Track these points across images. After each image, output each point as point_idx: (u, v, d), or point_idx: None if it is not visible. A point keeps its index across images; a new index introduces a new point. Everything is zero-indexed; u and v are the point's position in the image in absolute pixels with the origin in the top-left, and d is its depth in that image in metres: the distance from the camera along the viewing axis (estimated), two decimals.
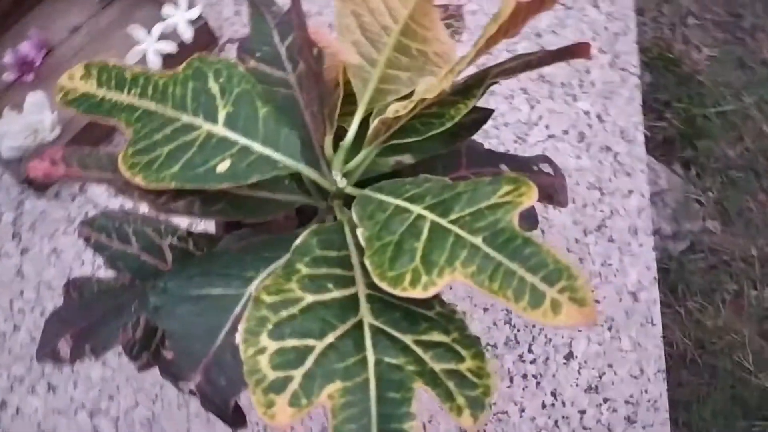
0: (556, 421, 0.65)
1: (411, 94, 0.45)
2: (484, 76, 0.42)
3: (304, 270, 0.35)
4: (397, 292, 0.32)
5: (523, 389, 0.65)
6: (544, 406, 0.66)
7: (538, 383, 0.67)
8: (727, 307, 1.13)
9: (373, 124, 0.41)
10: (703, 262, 1.17)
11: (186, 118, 0.42)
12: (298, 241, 0.37)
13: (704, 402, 1.07)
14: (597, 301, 0.69)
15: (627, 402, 0.67)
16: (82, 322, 0.48)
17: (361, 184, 0.44)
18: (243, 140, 0.41)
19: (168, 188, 0.40)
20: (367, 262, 0.34)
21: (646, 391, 0.67)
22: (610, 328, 0.68)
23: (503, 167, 0.54)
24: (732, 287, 1.15)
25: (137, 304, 0.44)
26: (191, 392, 0.41)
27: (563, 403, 0.66)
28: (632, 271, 0.70)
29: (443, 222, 0.35)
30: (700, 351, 1.10)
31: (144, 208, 0.41)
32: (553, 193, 0.56)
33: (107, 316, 0.47)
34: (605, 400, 0.66)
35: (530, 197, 0.34)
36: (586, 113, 0.74)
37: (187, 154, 0.41)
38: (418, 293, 0.32)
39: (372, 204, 0.38)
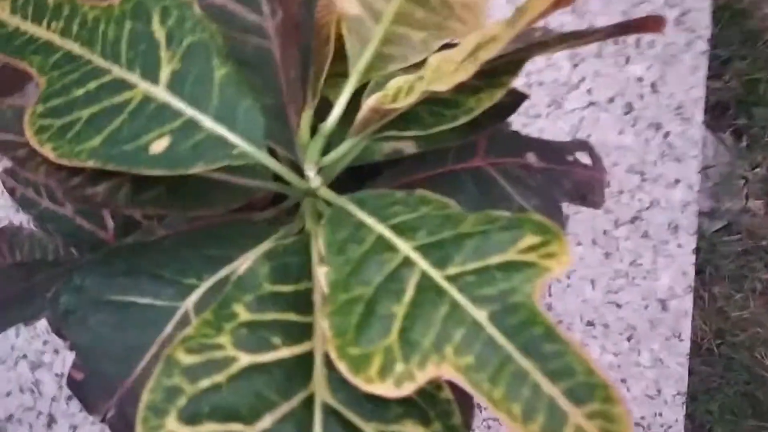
0: None
1: (422, 63, 0.35)
2: (519, 59, 0.32)
3: (244, 315, 0.26)
4: (359, 382, 0.23)
5: (447, 387, 0.57)
6: None
7: None
8: (756, 298, 1.05)
9: (362, 109, 0.30)
10: (737, 245, 1.07)
11: (117, 72, 0.32)
12: (241, 270, 0.28)
13: (713, 395, 1.01)
14: (618, 306, 0.61)
15: (637, 424, 0.59)
16: (7, 290, 0.40)
17: (342, 179, 0.34)
18: (189, 111, 0.31)
19: (84, 166, 0.30)
20: (324, 324, 0.25)
21: (660, 415, 0.59)
22: (629, 338, 0.59)
23: (530, 156, 0.44)
24: (765, 276, 1.06)
25: (50, 298, 0.35)
26: (102, 421, 0.33)
27: None
28: (665, 275, 0.60)
29: (438, 277, 0.25)
30: (718, 341, 1.03)
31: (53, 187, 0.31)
32: (588, 191, 0.46)
33: (16, 297, 0.39)
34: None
35: (561, 261, 0.24)
36: (639, 80, 0.63)
37: (113, 123, 0.31)
38: (386, 389, 0.23)
39: (347, 227, 0.28)
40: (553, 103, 0.62)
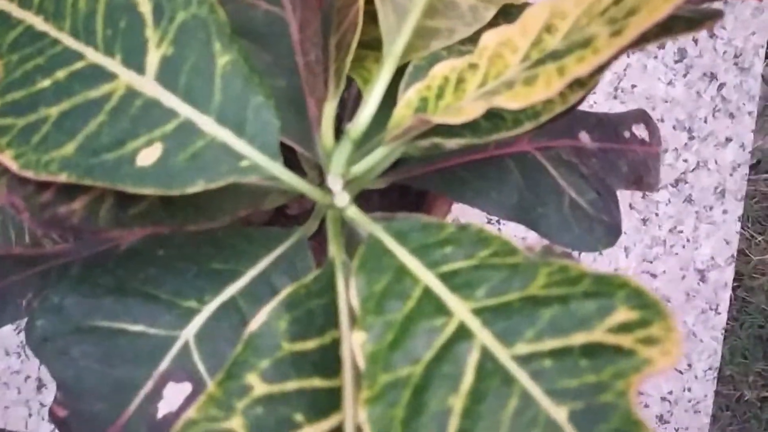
0: None
1: (473, 39, 0.29)
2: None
3: (259, 387, 0.22)
4: None
5: None
6: None
7: None
8: None
9: (401, 113, 0.25)
10: (764, 185, 1.02)
11: (92, 57, 0.25)
12: (254, 327, 0.23)
13: (725, 337, 0.99)
14: (653, 275, 0.56)
15: (663, 399, 0.56)
16: None
17: (367, 191, 0.29)
18: (185, 110, 0.25)
19: (55, 180, 0.25)
20: (361, 414, 0.20)
21: (689, 390, 0.56)
22: None
23: (583, 136, 0.38)
24: None
25: (26, 322, 0.30)
26: None
27: None
28: (706, 244, 0.56)
29: (504, 357, 0.20)
30: (735, 284, 1.00)
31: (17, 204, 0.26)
32: (645, 173, 0.40)
33: (9, 290, 0.34)
34: (638, 392, 0.55)
35: (667, 352, 0.19)
36: None
37: (89, 125, 0.25)
38: None
39: (385, 272, 0.23)
40: None
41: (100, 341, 0.28)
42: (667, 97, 0.56)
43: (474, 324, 0.21)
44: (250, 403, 0.22)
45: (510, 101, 0.21)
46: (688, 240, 0.56)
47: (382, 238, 0.24)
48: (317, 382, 0.23)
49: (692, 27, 0.24)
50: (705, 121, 0.56)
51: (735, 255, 0.56)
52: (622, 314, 0.20)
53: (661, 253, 0.56)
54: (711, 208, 0.56)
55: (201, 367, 0.27)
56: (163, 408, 0.27)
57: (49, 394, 0.57)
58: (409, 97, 0.26)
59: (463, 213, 0.53)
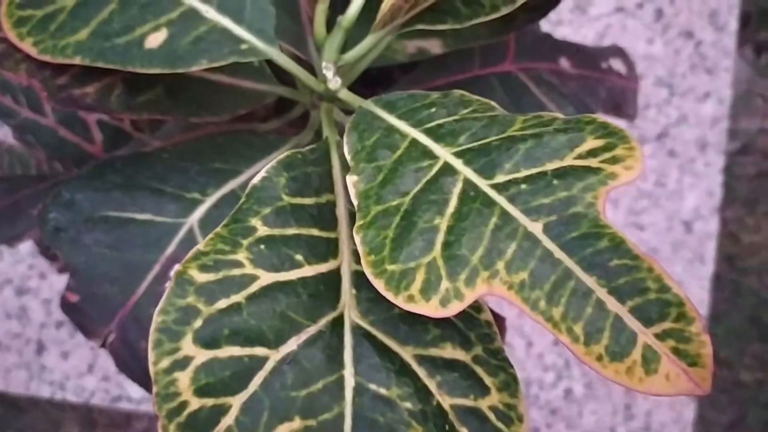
0: (567, 361, 0.57)
1: None
2: None
3: (262, 229, 0.24)
4: (400, 302, 0.21)
5: (486, 308, 0.56)
6: (556, 343, 0.58)
7: None
8: None
9: (388, 3, 0.27)
10: (752, 168, 1.05)
11: None
12: (256, 180, 0.25)
13: (720, 320, 1.01)
14: (640, 228, 0.59)
15: None
16: None
17: (360, 82, 0.32)
18: None
19: (71, 63, 0.27)
20: (356, 238, 0.22)
21: None
22: None
23: (563, 62, 0.41)
24: None
25: (39, 214, 0.33)
26: (102, 347, 0.31)
27: None
28: (690, 196, 0.59)
29: (484, 186, 0.23)
30: (726, 265, 1.02)
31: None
32: (623, 102, 0.43)
33: (2, 213, 0.36)
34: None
35: (629, 166, 0.22)
36: None
37: (101, 13, 0.28)
38: (430, 309, 0.21)
39: (375, 132, 0.25)
40: (577, 8, 0.58)
41: (111, 229, 0.30)
42: (647, 55, 0.59)
43: (456, 162, 0.24)
44: (254, 241, 0.24)
45: None
46: (672, 192, 0.59)
47: (372, 109, 0.27)
48: (315, 232, 0.25)
49: None
50: (684, 77, 0.59)
51: (718, 206, 0.58)
52: (590, 143, 0.23)
53: (648, 205, 0.59)
54: (694, 161, 0.59)
55: None
56: (150, 340, 0.29)
57: (50, 357, 0.58)
58: None
59: None
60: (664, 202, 0.59)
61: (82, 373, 0.57)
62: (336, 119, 0.30)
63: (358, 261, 0.25)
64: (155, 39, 0.27)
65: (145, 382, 0.30)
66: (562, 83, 0.40)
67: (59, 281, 0.60)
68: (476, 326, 0.24)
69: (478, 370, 0.24)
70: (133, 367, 0.30)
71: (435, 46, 0.33)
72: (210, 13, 0.28)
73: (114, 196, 0.31)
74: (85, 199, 0.31)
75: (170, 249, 0.30)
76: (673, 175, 0.59)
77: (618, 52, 0.44)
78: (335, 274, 0.25)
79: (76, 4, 0.28)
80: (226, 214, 0.31)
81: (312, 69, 0.32)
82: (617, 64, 0.44)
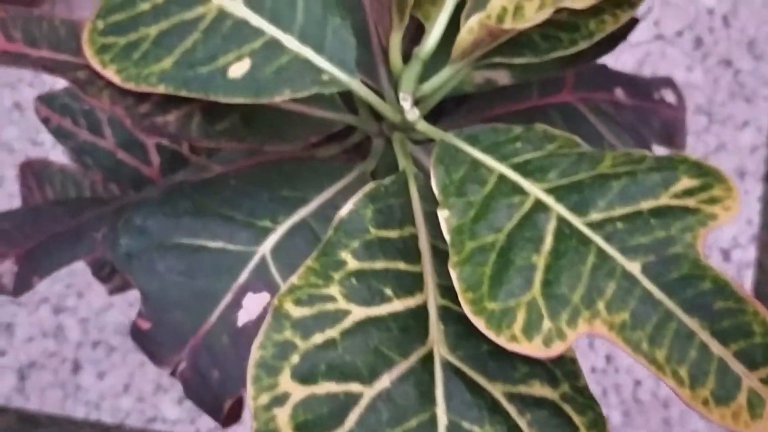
0: (604, 390, 0.57)
1: None
2: None
3: (352, 263, 0.24)
4: (502, 341, 0.21)
5: (572, 346, 0.56)
6: (593, 370, 0.57)
7: (590, 342, 0.58)
8: None
9: (468, 27, 0.28)
10: None
11: None
12: (343, 212, 0.25)
13: None
14: None
15: None
16: (31, 239, 0.37)
17: (432, 112, 0.32)
18: (271, 30, 0.28)
19: (154, 92, 0.28)
20: (452, 274, 0.23)
21: None
22: None
23: (618, 92, 0.41)
24: None
25: (105, 239, 0.33)
26: (172, 375, 0.31)
27: (616, 370, 0.57)
28: (728, 225, 0.59)
29: (579, 223, 0.23)
30: (764, 293, 1.02)
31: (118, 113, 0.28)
32: (674, 132, 0.43)
33: (65, 235, 0.36)
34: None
35: (727, 207, 0.22)
36: (710, 12, 0.59)
37: (185, 42, 0.28)
38: (534, 349, 0.21)
39: (461, 166, 0.26)
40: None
41: (183, 256, 0.30)
42: (686, 83, 0.59)
43: (549, 199, 0.24)
44: (345, 275, 0.24)
45: (578, 2, 0.25)
46: None
47: (454, 142, 0.27)
48: (402, 266, 0.25)
49: None
50: (723, 105, 0.59)
51: (757, 234, 0.58)
52: (685, 182, 0.23)
53: None
54: None
55: (278, 278, 0.30)
56: (243, 317, 0.30)
57: (86, 377, 0.58)
58: (470, 24, 0.29)
59: None
60: None
61: (117, 393, 0.57)
62: (410, 150, 0.31)
63: (443, 295, 0.25)
64: (238, 69, 0.28)
65: (215, 411, 0.30)
66: (618, 113, 0.40)
67: (97, 300, 0.60)
68: (562, 363, 0.24)
69: (567, 408, 0.24)
70: (204, 395, 0.30)
71: (503, 78, 0.33)
72: (292, 43, 0.28)
73: (185, 222, 0.31)
74: (157, 225, 0.31)
75: (242, 278, 0.30)
76: None
77: (668, 83, 0.44)
78: (422, 308, 0.25)
79: (160, 32, 0.28)
80: (299, 243, 0.31)
81: (381, 95, 0.33)
82: (668, 95, 0.44)
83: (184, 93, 0.27)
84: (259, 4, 0.28)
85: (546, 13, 0.25)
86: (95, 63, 0.28)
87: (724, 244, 0.59)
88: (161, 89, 0.27)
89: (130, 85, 0.27)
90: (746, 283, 0.59)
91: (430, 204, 0.26)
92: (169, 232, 0.31)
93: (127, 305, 0.59)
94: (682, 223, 0.22)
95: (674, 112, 0.44)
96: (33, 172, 0.44)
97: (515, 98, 0.38)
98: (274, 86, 0.27)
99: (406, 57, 0.31)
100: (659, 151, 0.58)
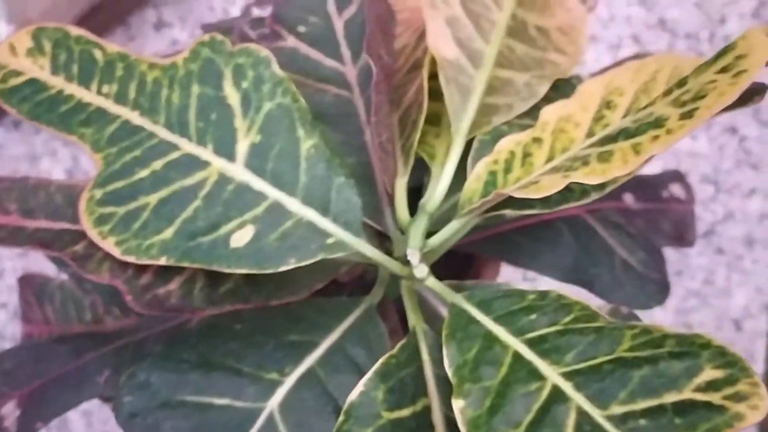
0: None
1: (530, 113, 0.31)
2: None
3: None
4: None
5: None
6: None
7: None
8: None
9: (471, 187, 0.27)
10: None
11: (186, 147, 0.28)
12: (353, 395, 0.25)
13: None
14: (689, 327, 0.58)
15: None
16: (34, 379, 0.36)
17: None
18: (274, 193, 0.28)
19: (155, 263, 0.27)
20: None
21: None
22: None
23: (627, 197, 0.40)
24: None
25: (107, 383, 0.32)
26: None
27: None
28: (739, 293, 0.58)
29: (599, 417, 0.22)
30: None
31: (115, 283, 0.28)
32: (684, 231, 0.43)
33: (67, 378, 0.36)
34: None
35: (756, 406, 0.21)
36: None
37: (186, 210, 0.27)
38: None
39: (474, 339, 0.25)
40: None
41: (189, 415, 0.29)
42: (691, 152, 0.59)
43: (567, 387, 0.23)
44: None
45: (588, 177, 0.24)
46: (721, 290, 0.58)
47: (467, 308, 0.26)
48: None
49: (743, 102, 0.26)
50: (729, 174, 0.59)
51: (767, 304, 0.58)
52: (709, 373, 0.22)
53: (697, 305, 0.58)
54: (741, 258, 0.58)
55: None
56: None
57: None
58: (478, 171, 0.29)
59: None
60: (712, 300, 0.58)
61: None
62: (419, 303, 0.30)
63: None
64: (241, 237, 0.27)
65: None
66: (628, 222, 0.39)
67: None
68: None
69: None
70: None
71: (510, 214, 0.33)
72: (295, 206, 0.28)
73: (190, 378, 0.30)
74: (161, 381, 0.30)
75: None
76: (721, 273, 0.58)
77: (676, 176, 0.44)
78: None
79: (160, 200, 0.27)
80: (307, 397, 0.30)
81: (388, 238, 0.32)
82: (676, 189, 0.43)
83: (186, 264, 0.27)
84: (260, 166, 0.28)
85: (558, 187, 0.24)
86: (93, 235, 0.27)
87: (735, 314, 0.58)
88: (163, 261, 0.27)
89: (131, 258, 0.27)
90: (758, 353, 0.58)
91: (442, 368, 0.25)
92: (175, 388, 0.30)
93: None
94: (709, 424, 0.21)
95: (683, 206, 0.43)
96: (32, 287, 0.44)
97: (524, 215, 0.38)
98: (278, 255, 0.27)
99: (411, 199, 0.30)
100: (670, 254, 0.57)
